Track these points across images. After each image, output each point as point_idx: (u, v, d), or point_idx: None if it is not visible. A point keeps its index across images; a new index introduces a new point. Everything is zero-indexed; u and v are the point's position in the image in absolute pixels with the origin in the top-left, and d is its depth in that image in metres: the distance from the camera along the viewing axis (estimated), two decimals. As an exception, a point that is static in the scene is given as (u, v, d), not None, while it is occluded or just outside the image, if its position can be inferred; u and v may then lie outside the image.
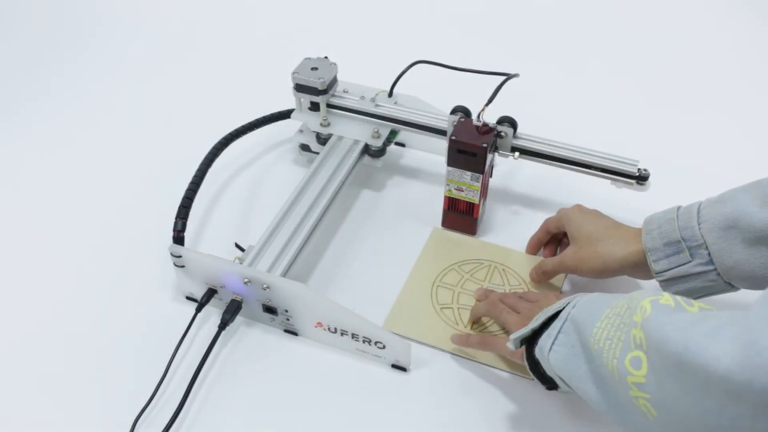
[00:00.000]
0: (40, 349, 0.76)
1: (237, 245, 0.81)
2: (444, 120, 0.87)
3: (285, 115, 0.95)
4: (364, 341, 0.72)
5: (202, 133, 0.92)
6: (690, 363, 0.44)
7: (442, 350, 0.74)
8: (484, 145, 0.79)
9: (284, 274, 0.76)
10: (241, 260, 0.76)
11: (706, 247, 0.65)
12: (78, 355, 0.75)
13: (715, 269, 0.66)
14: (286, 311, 0.74)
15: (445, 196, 0.86)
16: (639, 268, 0.71)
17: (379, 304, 0.78)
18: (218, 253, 0.76)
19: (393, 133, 0.93)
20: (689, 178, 0.92)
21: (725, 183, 0.69)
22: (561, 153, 0.83)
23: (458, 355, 0.74)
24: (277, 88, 1.00)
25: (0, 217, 0.92)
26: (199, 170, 0.84)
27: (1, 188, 0.97)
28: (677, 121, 1.07)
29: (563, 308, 0.60)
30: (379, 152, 0.91)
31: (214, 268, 0.74)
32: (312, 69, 0.89)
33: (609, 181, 0.82)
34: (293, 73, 0.89)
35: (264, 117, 0.95)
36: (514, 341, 0.62)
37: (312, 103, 0.92)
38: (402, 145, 1.01)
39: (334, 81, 0.91)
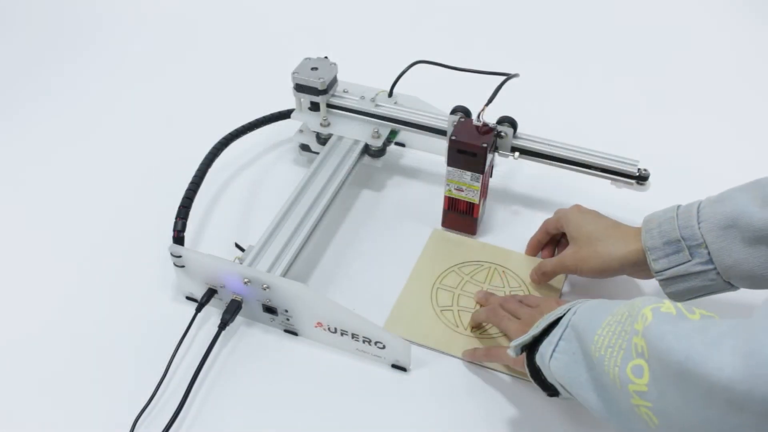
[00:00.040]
0: (40, 349, 0.76)
1: (237, 245, 0.81)
2: (444, 120, 0.87)
3: (285, 115, 0.95)
4: (364, 341, 0.72)
5: (202, 133, 0.92)
6: (691, 372, 0.44)
7: (443, 353, 0.74)
8: (484, 145, 0.79)
9: (284, 274, 0.76)
10: (241, 260, 0.76)
11: (706, 247, 0.65)
12: (78, 355, 0.75)
13: (715, 268, 0.65)
14: (286, 311, 0.74)
15: (445, 196, 0.86)
16: (639, 267, 0.71)
17: (379, 305, 0.78)
18: (218, 253, 0.76)
19: (393, 133, 0.93)
20: (689, 178, 0.92)
21: (725, 183, 0.69)
22: (561, 153, 0.83)
23: (458, 357, 0.74)
24: (277, 88, 1.00)
25: (0, 218, 0.93)
26: (199, 170, 0.84)
27: (1, 188, 0.97)
28: (677, 121, 1.07)
29: (564, 314, 0.60)
30: (379, 152, 0.91)
31: (214, 268, 0.74)
32: (312, 69, 0.89)
33: (609, 181, 0.82)
34: (293, 73, 0.89)
35: (264, 117, 0.95)
36: (515, 348, 0.62)
37: (312, 103, 0.92)
38: (402, 145, 1.01)
39: (334, 81, 0.91)
